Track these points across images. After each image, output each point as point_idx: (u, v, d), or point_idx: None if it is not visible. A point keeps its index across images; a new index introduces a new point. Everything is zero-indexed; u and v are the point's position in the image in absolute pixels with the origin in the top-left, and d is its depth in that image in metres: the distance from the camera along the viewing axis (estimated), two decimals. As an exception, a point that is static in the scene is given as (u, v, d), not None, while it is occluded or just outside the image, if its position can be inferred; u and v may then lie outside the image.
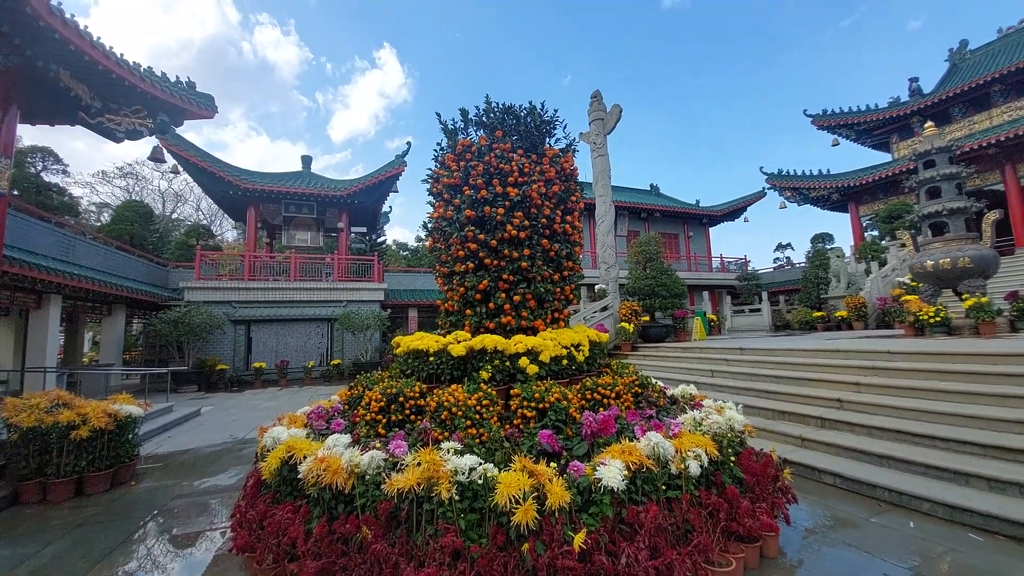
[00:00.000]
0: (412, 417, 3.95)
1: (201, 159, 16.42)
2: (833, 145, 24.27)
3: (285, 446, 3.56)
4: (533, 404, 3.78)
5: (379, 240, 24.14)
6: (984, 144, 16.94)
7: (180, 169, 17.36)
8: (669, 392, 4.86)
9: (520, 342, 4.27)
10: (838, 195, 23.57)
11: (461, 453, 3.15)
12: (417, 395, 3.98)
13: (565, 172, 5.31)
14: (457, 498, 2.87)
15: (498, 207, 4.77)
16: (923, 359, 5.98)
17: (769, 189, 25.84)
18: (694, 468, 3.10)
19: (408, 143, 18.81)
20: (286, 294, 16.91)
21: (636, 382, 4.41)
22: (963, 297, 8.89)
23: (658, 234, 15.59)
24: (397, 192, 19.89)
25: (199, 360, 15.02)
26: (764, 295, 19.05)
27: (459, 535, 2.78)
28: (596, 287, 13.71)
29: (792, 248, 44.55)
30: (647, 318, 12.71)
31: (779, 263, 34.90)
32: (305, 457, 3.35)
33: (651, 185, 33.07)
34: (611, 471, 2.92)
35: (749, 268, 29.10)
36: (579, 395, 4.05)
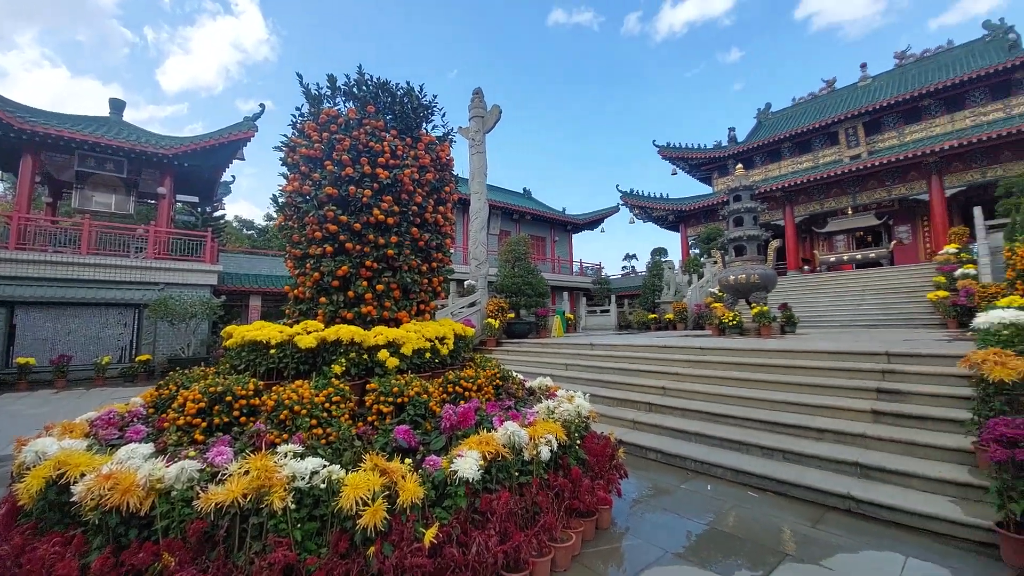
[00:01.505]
0: (243, 419, 3.40)
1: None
2: (672, 174, 28.62)
3: (54, 462, 2.73)
4: (391, 399, 3.57)
5: (216, 214, 20.57)
6: (773, 188, 21.74)
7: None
8: (528, 384, 5.09)
9: (381, 334, 4.01)
10: (673, 216, 27.84)
11: (302, 456, 2.81)
12: (251, 393, 3.44)
13: (441, 161, 5.17)
14: (294, 507, 2.54)
15: (365, 188, 4.40)
16: (723, 354, 7.36)
17: (622, 205, 29.27)
18: (545, 453, 3.27)
19: (262, 105, 16.30)
20: (74, 270, 13.15)
21: (498, 375, 4.51)
22: (752, 306, 11.24)
23: (528, 236, 16.46)
24: (244, 160, 17.13)
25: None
26: (613, 298, 21.51)
27: (294, 547, 2.47)
28: (466, 283, 13.82)
29: (637, 258, 51.33)
30: (513, 315, 13.27)
31: (626, 271, 39.82)
32: (83, 475, 2.62)
33: (524, 188, 34.74)
34: (467, 462, 2.90)
35: (603, 273, 32.51)
36: (441, 388, 3.97)
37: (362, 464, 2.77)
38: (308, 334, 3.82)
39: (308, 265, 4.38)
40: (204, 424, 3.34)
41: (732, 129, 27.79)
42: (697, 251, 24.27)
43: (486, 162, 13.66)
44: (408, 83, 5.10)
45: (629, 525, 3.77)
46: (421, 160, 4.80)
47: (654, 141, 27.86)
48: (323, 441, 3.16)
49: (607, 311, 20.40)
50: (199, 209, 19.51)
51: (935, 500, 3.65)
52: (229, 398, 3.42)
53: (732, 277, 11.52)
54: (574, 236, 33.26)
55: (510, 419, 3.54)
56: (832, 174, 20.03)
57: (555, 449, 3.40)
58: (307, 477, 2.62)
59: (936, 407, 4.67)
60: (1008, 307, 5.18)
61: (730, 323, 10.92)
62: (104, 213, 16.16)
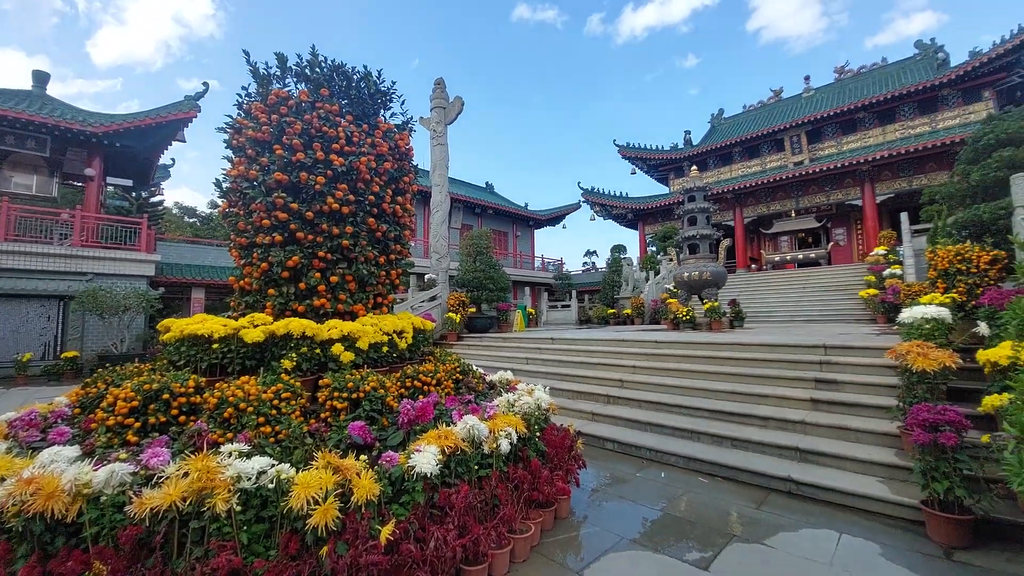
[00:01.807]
0: (182, 418, 3.17)
1: None
2: (632, 173, 29.33)
3: (-36, 467, 2.45)
4: (345, 395, 3.44)
5: (153, 200, 19.10)
6: (725, 190, 22.77)
7: None
8: (489, 378, 5.07)
9: (335, 327, 3.85)
10: (632, 215, 28.58)
11: (249, 455, 2.66)
12: (191, 390, 3.21)
13: (400, 150, 5.01)
14: (239, 509, 2.40)
15: (318, 175, 4.20)
16: (677, 347, 7.64)
17: (584, 202, 29.72)
18: (505, 446, 3.26)
19: (205, 84, 15.22)
20: (-15, 258, 11.93)
21: (458, 369, 4.45)
22: (704, 301, 11.73)
23: (490, 230, 16.36)
24: (184, 142, 15.98)
25: None
26: (574, 293, 21.83)
27: (240, 551, 2.33)
28: (426, 276, 13.60)
29: (597, 255, 52.30)
30: (474, 309, 13.20)
31: (587, 267, 40.63)
32: (3, 479, 2.36)
33: (486, 183, 34.57)
34: (425, 457, 2.85)
35: (564, 269, 32.98)
36: (399, 383, 3.87)
37: (314, 462, 2.66)
38: (255, 327, 3.61)
39: (255, 255, 4.13)
40: (138, 424, 3.10)
41: (688, 132, 28.84)
42: (654, 249, 25.06)
43: (448, 154, 13.45)
44: (365, 67, 4.91)
45: (587, 514, 3.84)
46: (379, 148, 4.63)
47: (614, 141, 28.44)
48: (272, 439, 3.01)
49: (568, 306, 20.71)
50: (134, 194, 18.05)
51: (866, 481, 3.95)
52: (166, 396, 3.18)
53: (686, 274, 11.98)
54: (536, 232, 33.51)
55: (470, 413, 3.50)
56: (777, 179, 21.24)
57: (515, 442, 3.39)
58: (253, 477, 2.48)
59: (867, 395, 5.05)
60: (929, 304, 5.67)
61: (684, 318, 11.35)
62: (24, 196, 14.62)
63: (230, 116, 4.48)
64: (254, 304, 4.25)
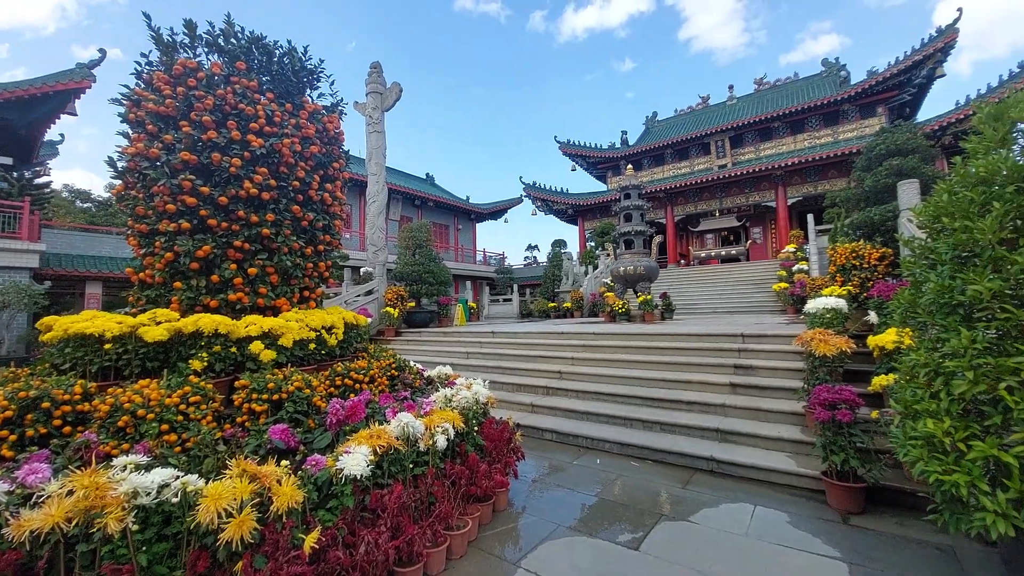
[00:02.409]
0: (67, 430, 2.77)
1: None
2: (572, 170, 30.00)
3: None
4: (265, 396, 3.18)
5: (38, 181, 16.62)
6: (658, 189, 23.98)
7: None
8: (427, 373, 4.94)
9: (254, 324, 3.54)
10: (572, 210, 29.26)
11: (148, 467, 2.37)
12: (77, 398, 2.81)
13: (329, 134, 4.70)
14: (137, 528, 2.13)
15: (233, 156, 3.83)
16: (613, 338, 7.92)
17: (525, 197, 29.98)
18: (441, 442, 3.18)
19: (102, 51, 13.39)
20: None
21: (393, 365, 4.29)
22: (638, 295, 12.28)
23: (430, 223, 15.93)
24: (75, 116, 13.98)
25: None
26: (515, 287, 22.01)
27: (139, 574, 2.08)
28: (362, 270, 13.03)
29: (539, 249, 53.02)
30: (413, 304, 12.85)
31: (528, 261, 41.09)
32: None
33: (427, 174, 33.81)
34: (355, 459, 2.70)
35: (506, 263, 33.15)
36: (328, 382, 3.65)
37: (227, 471, 2.42)
38: (158, 325, 3.22)
39: (158, 243, 3.69)
40: (13, 437, 2.67)
41: (624, 132, 29.98)
42: (593, 244, 25.87)
43: (385, 142, 12.93)
44: (290, 42, 4.54)
45: (526, 504, 3.86)
46: (304, 130, 4.31)
47: (555, 137, 28.99)
48: (177, 449, 2.71)
49: (509, 300, 20.84)
50: (15, 174, 15.58)
51: (777, 456, 4.32)
52: (47, 404, 2.76)
53: (622, 268, 12.47)
54: (478, 225, 33.35)
55: (405, 410, 3.38)
56: (704, 180, 22.72)
57: (452, 437, 3.32)
58: (153, 492, 2.21)
59: (777, 379, 5.53)
60: (829, 296, 6.32)
61: (620, 310, 11.82)
62: None
63: (127, 86, 3.95)
64: (157, 299, 3.80)
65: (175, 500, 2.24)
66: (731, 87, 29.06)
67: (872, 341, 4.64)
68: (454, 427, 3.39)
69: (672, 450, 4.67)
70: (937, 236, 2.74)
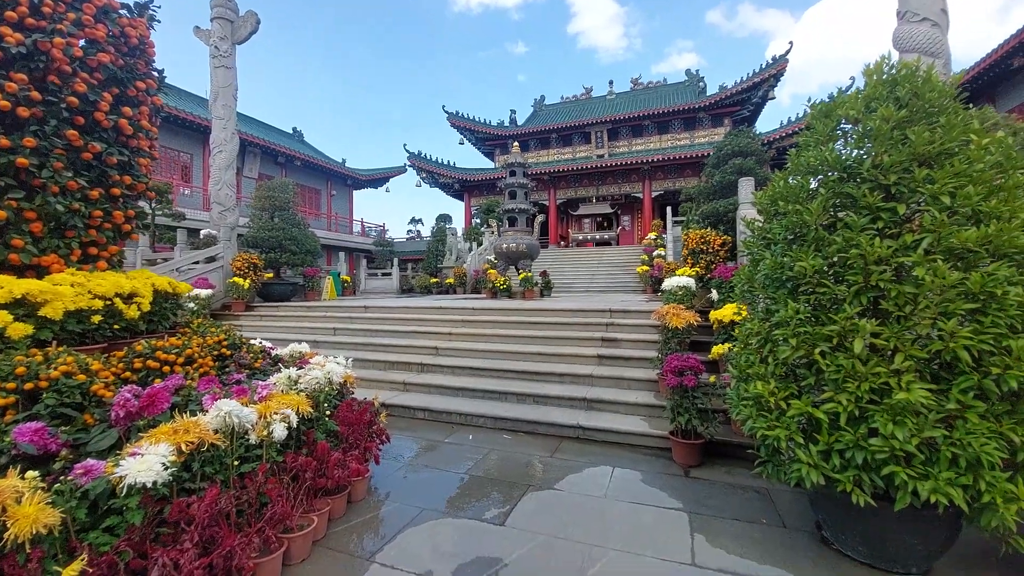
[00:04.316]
0: None
1: None
2: (460, 143, 29.29)
3: None
4: (11, 386, 2.28)
5: None
6: (542, 172, 24.69)
7: None
8: (276, 352, 4.22)
9: (-3, 285, 2.53)
10: (458, 185, 28.69)
11: None
12: None
13: (131, 42, 3.57)
14: None
15: (-41, 44, 2.63)
16: (493, 313, 7.86)
17: (410, 167, 28.47)
18: (279, 432, 2.65)
19: None
20: None
21: (224, 342, 3.51)
22: (520, 272, 12.49)
23: (295, 183, 13.93)
24: None
25: None
26: (395, 261, 20.89)
27: None
28: (202, 232, 10.96)
29: (423, 223, 51.28)
30: (271, 275, 11.27)
31: (412, 235, 39.43)
32: None
33: (294, 128, 29.98)
34: (145, 461, 2.06)
35: (387, 236, 31.34)
36: (122, 365, 2.80)
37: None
38: None
39: None
40: None
41: (513, 111, 30.14)
42: (478, 220, 25.76)
43: (236, 81, 10.85)
44: (66, -99, 3.28)
45: (390, 490, 3.53)
46: (89, 31, 3.18)
47: (444, 107, 27.85)
48: None
49: (389, 274, 19.73)
50: None
51: (634, 420, 4.64)
52: None
53: (505, 246, 12.53)
54: (356, 193, 30.87)
55: (233, 396, 2.75)
56: (584, 167, 24.08)
57: (295, 425, 2.80)
58: None
59: (638, 350, 5.99)
60: (681, 276, 7.04)
61: (502, 287, 11.90)
62: None
63: None
64: None
65: None
66: (611, 82, 31.03)
67: (713, 315, 5.23)
68: (299, 413, 2.87)
69: (543, 420, 4.74)
70: (772, 219, 3.04)
